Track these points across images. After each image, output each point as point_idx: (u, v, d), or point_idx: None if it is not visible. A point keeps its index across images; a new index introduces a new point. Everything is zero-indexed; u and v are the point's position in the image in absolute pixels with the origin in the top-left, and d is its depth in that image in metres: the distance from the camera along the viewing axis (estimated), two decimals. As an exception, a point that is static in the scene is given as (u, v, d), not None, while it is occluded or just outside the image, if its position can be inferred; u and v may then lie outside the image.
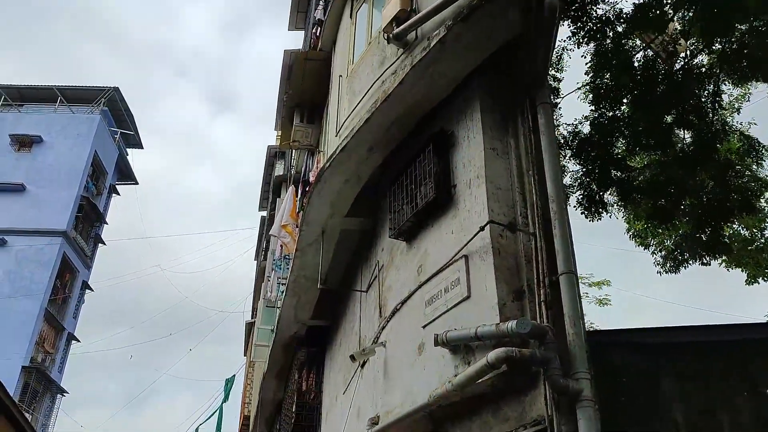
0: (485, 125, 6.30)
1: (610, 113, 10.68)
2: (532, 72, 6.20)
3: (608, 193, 10.03)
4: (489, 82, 6.56)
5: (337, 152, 7.52)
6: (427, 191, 6.56)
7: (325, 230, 8.77)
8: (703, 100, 10.28)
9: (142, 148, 44.01)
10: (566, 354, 4.89)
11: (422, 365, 6.19)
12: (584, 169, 10.16)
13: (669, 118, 10.32)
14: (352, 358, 7.16)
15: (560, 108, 10.70)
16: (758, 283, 17.62)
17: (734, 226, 10.65)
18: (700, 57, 10.20)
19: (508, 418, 5.27)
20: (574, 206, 10.08)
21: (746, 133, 10.26)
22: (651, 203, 10.16)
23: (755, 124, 17.52)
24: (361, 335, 8.39)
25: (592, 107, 10.69)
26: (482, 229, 5.65)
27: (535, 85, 6.19)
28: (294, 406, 11.55)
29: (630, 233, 13.29)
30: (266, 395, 14.36)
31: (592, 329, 5.65)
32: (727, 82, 11.17)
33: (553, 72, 10.68)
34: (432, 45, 6.32)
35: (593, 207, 9.88)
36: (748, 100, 14.23)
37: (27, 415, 28.62)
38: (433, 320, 6.12)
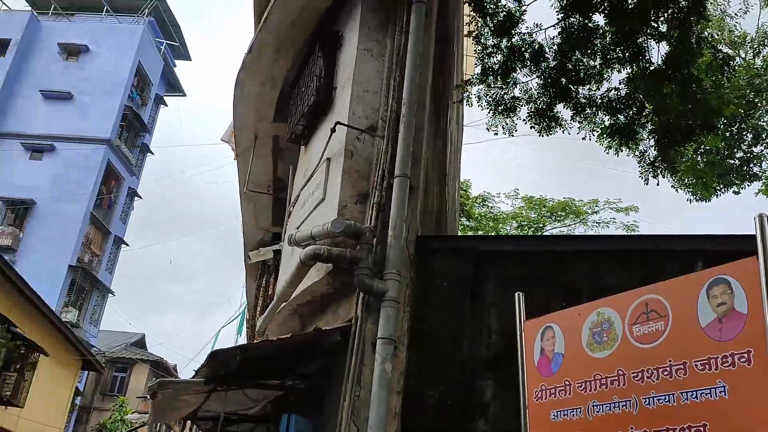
0: (363, 25, 6.13)
1: (581, 22, 10.11)
2: (412, -32, 5.93)
3: (562, 106, 9.59)
4: (375, -21, 6.31)
5: (246, 54, 7.47)
6: (311, 94, 6.49)
7: (258, 136, 8.83)
8: (683, 7, 9.58)
9: (189, 59, 44.57)
10: (383, 255, 4.90)
11: (291, 264, 6.31)
12: (541, 81, 9.74)
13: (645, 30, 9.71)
14: (247, 258, 7.35)
15: (524, 14, 10.15)
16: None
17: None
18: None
19: (340, 316, 5.38)
20: (524, 120, 9.75)
21: (719, 47, 9.56)
22: (610, 119, 9.72)
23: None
24: (285, 236, 8.56)
25: (560, 15, 10.14)
26: (333, 131, 5.60)
27: (415, -17, 5.93)
28: (258, 309, 12.03)
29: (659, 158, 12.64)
30: (250, 299, 14.91)
31: (428, 234, 5.48)
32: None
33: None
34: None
35: (544, 121, 9.52)
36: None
37: (73, 309, 30.77)
38: (303, 222, 6.20)
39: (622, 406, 2.97)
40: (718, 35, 14.95)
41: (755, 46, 14.49)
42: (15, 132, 33.89)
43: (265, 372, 5.25)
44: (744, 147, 14.48)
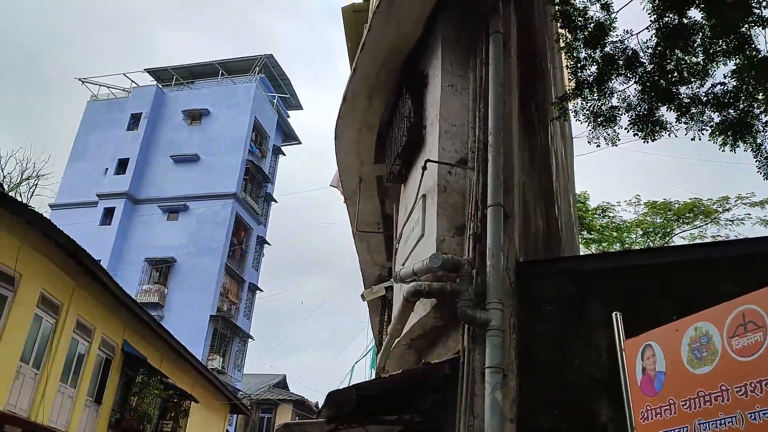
0: (445, 62, 6.32)
1: (676, 20, 9.78)
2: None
3: (665, 109, 9.26)
4: (452, 16, 6.51)
5: (341, 104, 7.86)
6: (402, 134, 6.74)
7: (362, 178, 9.19)
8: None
9: (301, 109, 46.71)
10: (484, 285, 4.98)
11: (399, 301, 6.51)
12: (639, 86, 9.47)
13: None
14: (362, 297, 7.63)
15: (615, 22, 9.93)
16: None
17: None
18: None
19: (450, 348, 5.49)
20: (626, 128, 9.49)
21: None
22: (720, 115, 9.27)
23: None
24: (393, 273, 8.81)
25: (654, 16, 9.84)
26: (424, 168, 5.78)
27: (490, 14, 6.07)
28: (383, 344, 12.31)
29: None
30: (375, 334, 15.25)
31: (532, 258, 5.46)
32: None
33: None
34: (385, -12, 6.41)
35: (648, 127, 9.23)
36: None
37: (218, 356, 32.62)
38: (407, 258, 6.39)
39: (728, 422, 2.89)
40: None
41: None
42: (153, 197, 36.90)
43: (383, 408, 5.45)
44: None
